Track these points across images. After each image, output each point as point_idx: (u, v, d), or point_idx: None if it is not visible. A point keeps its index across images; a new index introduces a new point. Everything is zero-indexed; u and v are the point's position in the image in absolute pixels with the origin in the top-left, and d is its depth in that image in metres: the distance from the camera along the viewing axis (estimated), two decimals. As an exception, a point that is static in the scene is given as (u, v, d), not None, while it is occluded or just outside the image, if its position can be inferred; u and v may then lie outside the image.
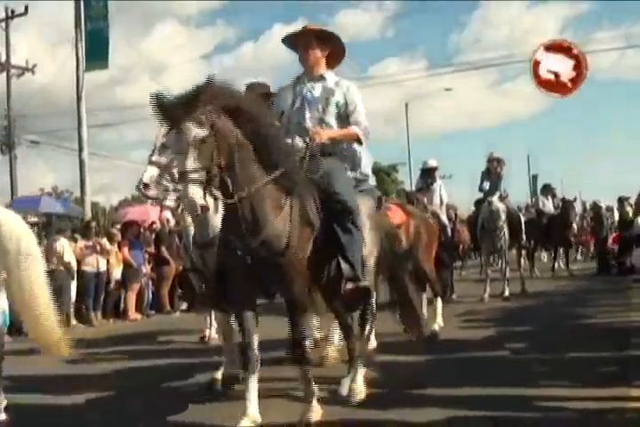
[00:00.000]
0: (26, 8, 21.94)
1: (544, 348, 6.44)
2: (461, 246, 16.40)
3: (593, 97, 71.66)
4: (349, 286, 4.27)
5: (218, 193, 3.96)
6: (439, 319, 7.86)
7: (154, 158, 5.36)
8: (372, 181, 7.31)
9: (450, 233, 11.47)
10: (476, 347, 6.70)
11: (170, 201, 7.63)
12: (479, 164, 12.50)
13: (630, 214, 16.07)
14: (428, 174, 11.49)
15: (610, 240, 17.14)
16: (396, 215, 6.94)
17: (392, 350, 6.31)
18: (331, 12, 75.37)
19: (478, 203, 12.35)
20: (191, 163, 3.74)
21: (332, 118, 4.84)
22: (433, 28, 73.34)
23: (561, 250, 16.51)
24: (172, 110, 3.87)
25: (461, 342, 7.07)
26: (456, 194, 22.51)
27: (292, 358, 4.21)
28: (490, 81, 78.89)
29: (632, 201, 16.11)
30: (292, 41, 4.94)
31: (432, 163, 11.55)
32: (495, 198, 11.58)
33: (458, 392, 4.83)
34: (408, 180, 32.60)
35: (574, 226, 16.14)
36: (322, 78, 4.90)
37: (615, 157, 72.82)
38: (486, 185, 11.82)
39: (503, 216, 11.50)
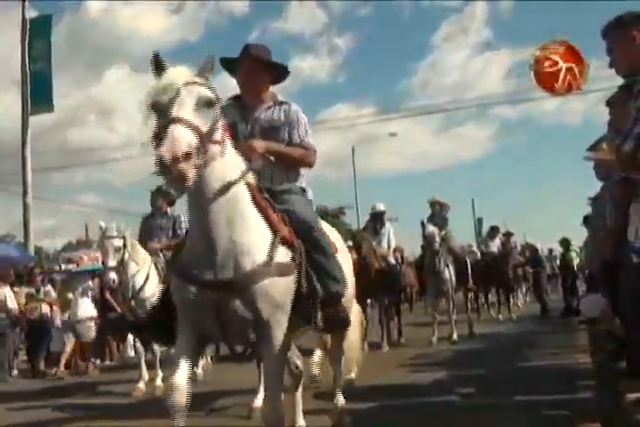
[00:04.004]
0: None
1: (492, 392, 6.44)
2: (409, 289, 16.52)
3: (537, 141, 73.55)
4: None
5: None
6: None
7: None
8: None
9: (398, 276, 11.55)
10: (425, 392, 6.67)
11: (112, 261, 7.86)
12: (424, 207, 12.66)
13: (574, 260, 16.40)
14: (376, 218, 11.63)
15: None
16: None
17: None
18: (283, 57, 76.25)
19: (425, 247, 12.42)
20: None
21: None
22: (383, 74, 74.85)
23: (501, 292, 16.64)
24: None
25: (410, 386, 7.03)
26: (401, 237, 22.68)
27: None
28: (437, 126, 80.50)
29: (576, 247, 16.46)
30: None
31: (380, 207, 11.70)
32: (429, 224, 11.57)
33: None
34: (355, 223, 32.83)
35: (510, 265, 16.22)
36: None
37: (558, 200, 74.69)
38: (430, 227, 11.75)
39: (438, 238, 11.40)
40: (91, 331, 11.28)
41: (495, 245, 16.14)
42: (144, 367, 7.97)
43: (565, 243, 17.08)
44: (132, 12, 61.64)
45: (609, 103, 4.59)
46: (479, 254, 16.46)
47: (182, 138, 2.79)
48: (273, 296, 3.25)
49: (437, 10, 70.64)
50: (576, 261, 16.50)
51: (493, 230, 16.99)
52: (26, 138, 17.75)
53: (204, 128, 2.94)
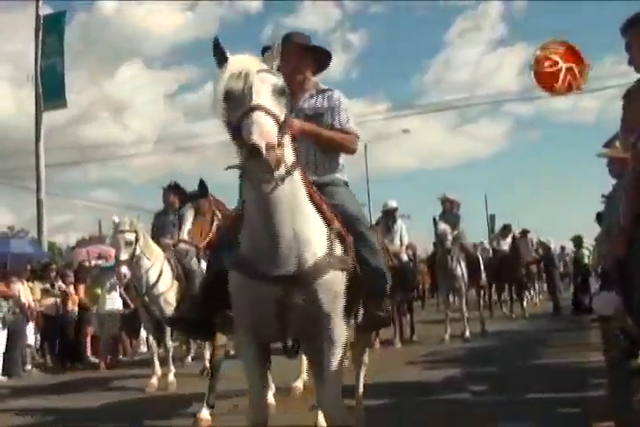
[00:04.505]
0: (-15, 47, 21.86)
1: (505, 389, 6.45)
2: (421, 287, 16.52)
3: (551, 138, 73.27)
4: None
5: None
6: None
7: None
8: None
9: (410, 273, 11.54)
10: (437, 389, 6.68)
11: (125, 254, 7.85)
12: (437, 204, 12.65)
13: (586, 257, 16.30)
14: (388, 215, 11.59)
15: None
16: None
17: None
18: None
19: (437, 244, 12.39)
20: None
21: None
22: (396, 71, 74.72)
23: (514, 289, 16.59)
24: None
25: (422, 383, 7.03)
26: (414, 233, 22.64)
27: None
28: (450, 122, 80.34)
29: (588, 245, 16.34)
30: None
31: (392, 204, 11.67)
32: (441, 222, 11.56)
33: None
34: (368, 220, 32.73)
35: (524, 262, 16.13)
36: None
37: (571, 197, 74.32)
38: (443, 224, 11.70)
39: (449, 237, 11.38)
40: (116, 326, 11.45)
41: (507, 244, 16.08)
42: (157, 363, 7.99)
43: (578, 241, 16.99)
44: (146, 9, 62.02)
45: (625, 96, 4.53)
46: (491, 251, 16.42)
47: (270, 126, 2.69)
48: (334, 289, 3.19)
49: (451, 8, 70.40)
50: (588, 259, 16.42)
51: (505, 229, 16.94)
52: (39, 134, 17.83)
53: (282, 117, 2.85)
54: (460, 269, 11.65)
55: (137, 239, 7.91)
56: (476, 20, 73.65)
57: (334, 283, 3.19)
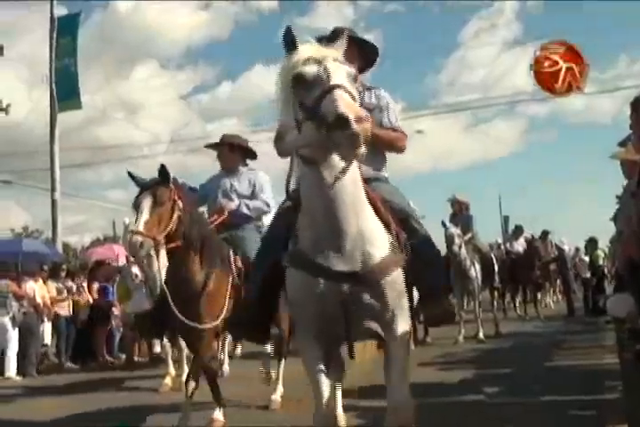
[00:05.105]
0: (1, 48, 21.98)
1: (519, 391, 6.42)
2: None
3: (565, 140, 72.92)
4: None
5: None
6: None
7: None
8: None
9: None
10: (452, 391, 6.66)
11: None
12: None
13: (600, 259, 16.21)
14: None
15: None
16: None
17: (364, 393, 6.24)
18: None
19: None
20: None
21: None
22: (411, 71, 74.59)
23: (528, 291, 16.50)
24: None
25: (436, 385, 7.00)
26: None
27: None
28: (465, 123, 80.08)
29: (603, 246, 16.27)
30: None
31: (408, 205, 11.60)
32: (451, 225, 11.51)
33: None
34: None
35: (539, 264, 16.04)
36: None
37: (586, 199, 73.95)
38: (452, 227, 11.54)
39: (457, 240, 11.33)
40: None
41: (520, 245, 16.03)
42: (171, 363, 8.01)
43: (592, 243, 16.86)
44: (160, 9, 62.26)
45: (634, 103, 4.49)
46: (504, 252, 16.35)
47: (353, 101, 2.58)
48: (398, 286, 3.11)
49: (466, 7, 70.15)
50: (603, 261, 16.33)
51: (518, 230, 16.88)
52: (54, 135, 17.93)
53: (358, 100, 2.78)
54: (474, 271, 11.61)
55: None
56: (490, 20, 73.45)
57: (398, 280, 3.11)
